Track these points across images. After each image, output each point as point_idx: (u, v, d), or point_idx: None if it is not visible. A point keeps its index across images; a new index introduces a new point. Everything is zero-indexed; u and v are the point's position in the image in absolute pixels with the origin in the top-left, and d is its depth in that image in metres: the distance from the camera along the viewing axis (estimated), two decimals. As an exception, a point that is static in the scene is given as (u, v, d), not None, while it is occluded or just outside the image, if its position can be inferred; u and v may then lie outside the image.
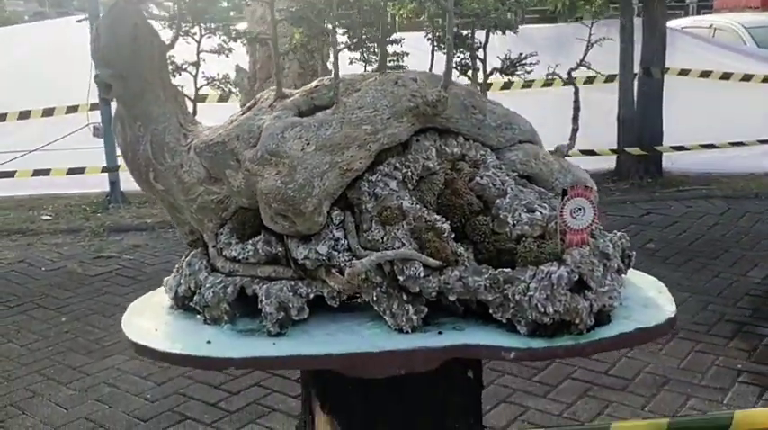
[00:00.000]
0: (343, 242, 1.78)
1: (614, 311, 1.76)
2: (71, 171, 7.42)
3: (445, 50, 1.86)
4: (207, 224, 1.94)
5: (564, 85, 2.05)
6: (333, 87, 1.80)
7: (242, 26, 2.33)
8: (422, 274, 1.70)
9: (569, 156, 2.05)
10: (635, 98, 8.44)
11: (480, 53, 2.06)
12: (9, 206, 8.18)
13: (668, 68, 8.47)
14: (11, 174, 7.23)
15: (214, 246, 1.92)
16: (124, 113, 1.94)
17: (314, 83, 1.95)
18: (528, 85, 6.37)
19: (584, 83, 5.96)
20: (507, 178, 1.84)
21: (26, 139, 7.65)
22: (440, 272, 1.72)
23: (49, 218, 7.85)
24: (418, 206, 1.79)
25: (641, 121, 8.37)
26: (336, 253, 1.77)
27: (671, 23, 10.08)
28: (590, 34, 2.05)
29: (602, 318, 1.73)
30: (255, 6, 2.62)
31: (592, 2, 8.49)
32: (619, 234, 1.91)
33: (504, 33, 2.03)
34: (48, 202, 8.28)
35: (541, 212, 1.78)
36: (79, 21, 7.85)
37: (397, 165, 1.82)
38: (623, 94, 8.48)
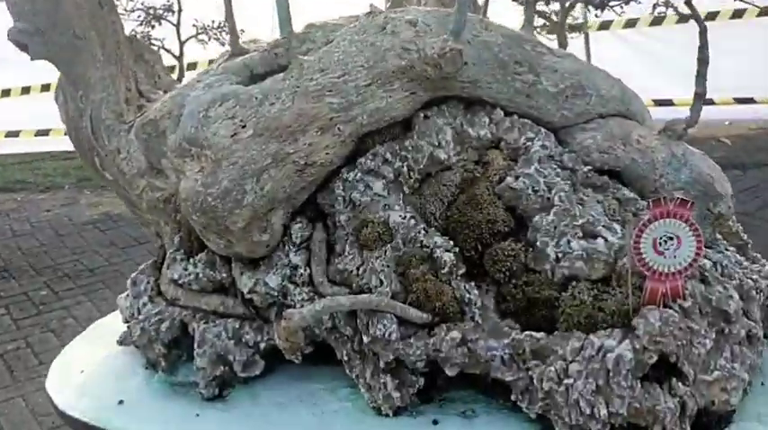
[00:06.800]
0: (303, 272, 1.20)
1: (743, 407, 1.05)
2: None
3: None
4: (163, 227, 1.44)
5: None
6: (284, 39, 1.19)
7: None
8: (395, 335, 1.08)
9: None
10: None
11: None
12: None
13: None
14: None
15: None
16: (64, 80, 1.48)
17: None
18: (632, 23, 5.00)
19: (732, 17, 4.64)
20: (558, 179, 1.14)
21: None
22: (429, 330, 1.09)
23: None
24: (413, 222, 1.16)
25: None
26: (293, 286, 1.20)
27: None
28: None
29: (711, 422, 1.03)
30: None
31: None
32: (755, 267, 1.16)
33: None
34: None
35: (607, 239, 1.08)
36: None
37: (388, 156, 1.19)
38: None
